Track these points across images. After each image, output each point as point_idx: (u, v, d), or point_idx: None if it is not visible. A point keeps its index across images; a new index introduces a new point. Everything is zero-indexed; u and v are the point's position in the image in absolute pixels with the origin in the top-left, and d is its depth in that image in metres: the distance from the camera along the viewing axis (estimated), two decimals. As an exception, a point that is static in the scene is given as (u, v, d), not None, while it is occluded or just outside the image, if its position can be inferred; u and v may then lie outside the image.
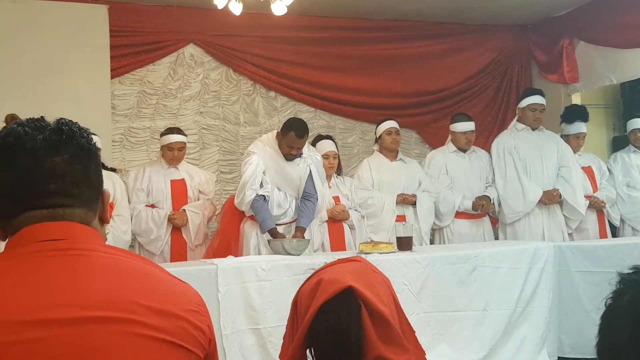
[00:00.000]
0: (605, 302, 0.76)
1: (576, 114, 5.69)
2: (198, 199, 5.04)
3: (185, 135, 5.15)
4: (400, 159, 5.36)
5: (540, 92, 5.48)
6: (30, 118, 1.21)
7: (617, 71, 6.26)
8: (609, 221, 5.65)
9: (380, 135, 5.35)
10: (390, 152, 5.33)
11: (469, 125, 5.41)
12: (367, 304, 1.40)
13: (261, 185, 4.43)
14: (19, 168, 1.17)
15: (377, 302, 1.42)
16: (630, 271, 0.75)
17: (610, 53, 6.22)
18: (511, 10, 6.54)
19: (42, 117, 1.22)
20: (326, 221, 4.96)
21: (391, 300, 1.50)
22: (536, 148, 5.35)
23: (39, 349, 1.03)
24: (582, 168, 5.53)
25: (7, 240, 1.19)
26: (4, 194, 1.19)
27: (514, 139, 5.40)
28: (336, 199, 5.05)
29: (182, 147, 5.01)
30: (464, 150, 5.44)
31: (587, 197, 5.43)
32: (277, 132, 4.56)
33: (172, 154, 4.97)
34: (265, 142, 4.59)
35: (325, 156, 4.97)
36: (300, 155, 4.54)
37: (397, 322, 1.47)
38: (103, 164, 4.74)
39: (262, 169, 4.45)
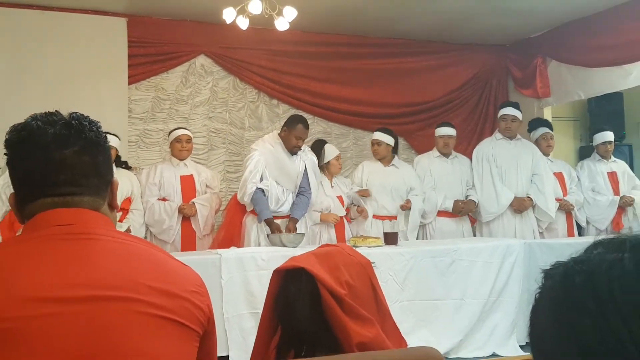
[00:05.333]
0: (535, 295, 0.78)
1: (539, 121, 5.80)
2: (205, 193, 5.04)
3: (191, 133, 5.17)
4: (392, 165, 5.26)
5: (512, 104, 5.51)
6: (45, 112, 1.20)
7: (585, 87, 6.26)
8: (576, 222, 5.67)
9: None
10: (381, 159, 5.29)
11: (446, 130, 5.42)
12: (323, 285, 1.39)
13: (261, 180, 4.47)
14: (33, 160, 1.17)
15: (333, 283, 1.40)
16: (552, 266, 0.78)
17: (579, 71, 6.23)
18: (491, 31, 6.55)
19: (56, 110, 1.21)
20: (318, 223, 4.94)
21: (366, 282, 1.48)
22: (512, 156, 5.34)
23: (54, 323, 1.04)
24: (554, 173, 5.53)
25: (25, 223, 1.19)
26: (21, 183, 1.20)
27: (493, 147, 5.41)
28: (339, 198, 5.05)
29: (188, 139, 5.03)
30: (447, 155, 5.43)
31: (558, 200, 5.45)
32: (283, 128, 4.63)
33: (181, 146, 4.99)
34: (267, 140, 4.67)
35: (337, 158, 5.09)
36: (301, 147, 4.61)
37: (371, 302, 1.46)
38: (126, 163, 4.81)
39: (263, 165, 4.50)
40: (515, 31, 6.62)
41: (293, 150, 4.56)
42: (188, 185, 4.95)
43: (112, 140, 4.59)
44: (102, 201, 1.23)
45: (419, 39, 6.80)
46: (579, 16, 6.03)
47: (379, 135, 5.21)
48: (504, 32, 6.62)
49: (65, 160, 1.16)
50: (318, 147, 5.06)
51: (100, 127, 1.24)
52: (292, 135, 4.50)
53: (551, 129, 5.70)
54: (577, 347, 0.68)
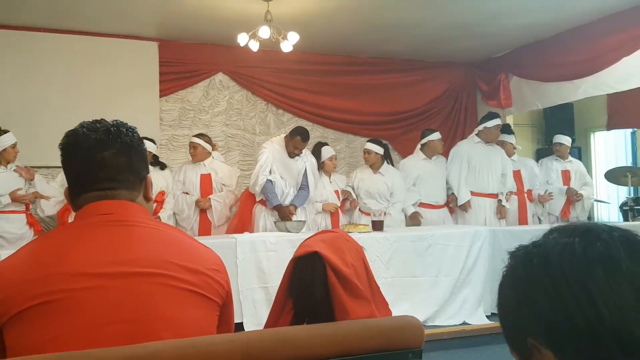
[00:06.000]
0: (502, 273, 0.80)
1: (504, 127, 5.67)
2: (221, 190, 4.98)
3: (205, 140, 4.98)
4: (379, 172, 5.13)
5: (500, 116, 5.43)
6: (92, 120, 1.22)
7: (541, 99, 6.24)
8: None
9: None
10: (371, 166, 5.20)
11: (439, 135, 5.38)
12: (331, 266, 1.35)
13: (270, 173, 4.50)
14: (78, 161, 1.19)
15: (341, 264, 1.36)
16: (515, 248, 0.79)
17: (537, 85, 6.21)
18: (461, 52, 6.55)
19: (102, 119, 1.23)
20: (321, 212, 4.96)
21: (361, 264, 1.45)
22: (486, 158, 5.24)
23: (99, 294, 1.06)
24: (513, 171, 5.45)
25: (76, 212, 1.21)
26: (71, 179, 1.21)
27: (470, 149, 5.28)
28: (336, 192, 5.05)
29: (195, 146, 4.90)
30: (431, 157, 5.32)
31: (515, 194, 5.45)
32: (286, 135, 4.64)
33: (189, 151, 4.98)
34: (275, 141, 4.71)
35: (330, 158, 5.03)
36: (299, 154, 4.63)
37: (365, 281, 1.44)
38: (161, 163, 4.79)
39: (271, 161, 4.54)
40: (482, 52, 6.62)
41: (290, 154, 4.60)
42: (206, 182, 4.93)
43: (149, 145, 4.59)
44: (137, 194, 1.23)
45: (401, 58, 6.80)
46: (536, 39, 6.04)
47: (370, 145, 5.15)
48: (472, 52, 6.62)
49: (104, 161, 1.17)
50: (317, 149, 5.07)
51: (136, 132, 1.25)
52: (290, 144, 4.56)
53: (509, 131, 5.62)
54: (535, 319, 0.70)
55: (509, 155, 5.49)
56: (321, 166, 5.02)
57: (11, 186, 4.33)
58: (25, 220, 4.42)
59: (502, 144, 5.48)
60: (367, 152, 5.15)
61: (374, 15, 5.19)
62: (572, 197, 5.55)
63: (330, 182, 5.06)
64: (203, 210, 4.89)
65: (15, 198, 4.34)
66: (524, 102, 6.46)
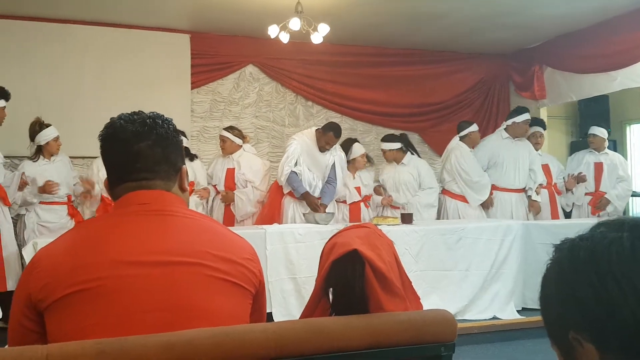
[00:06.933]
0: (546, 265, 0.79)
1: (534, 120, 5.51)
2: (245, 185, 4.93)
3: (235, 133, 4.96)
4: (402, 163, 5.15)
5: (529, 110, 5.33)
6: (131, 112, 1.24)
7: (576, 91, 6.09)
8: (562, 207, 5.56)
9: None
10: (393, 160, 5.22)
11: (477, 126, 5.33)
12: (370, 263, 1.33)
13: (295, 165, 4.52)
14: (116, 152, 1.21)
15: (378, 261, 1.34)
16: (561, 241, 0.78)
17: (571, 77, 6.06)
18: (494, 42, 6.42)
19: (140, 110, 1.25)
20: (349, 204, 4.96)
21: (393, 259, 1.42)
22: (513, 154, 5.14)
23: (137, 282, 1.08)
24: (542, 165, 5.34)
25: (115, 201, 1.23)
26: (110, 170, 1.23)
27: (498, 145, 5.19)
28: (357, 188, 5.04)
29: (224, 139, 4.93)
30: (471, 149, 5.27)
31: (544, 187, 5.33)
32: (318, 129, 4.66)
33: (219, 144, 5.01)
34: (305, 134, 4.73)
35: (362, 155, 5.03)
36: (329, 149, 4.64)
37: (397, 276, 1.40)
38: (191, 155, 4.83)
39: (299, 153, 4.57)
40: (516, 42, 6.48)
41: (321, 149, 4.62)
42: (230, 176, 4.95)
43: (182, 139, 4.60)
44: (173, 184, 1.24)
45: (432, 50, 6.70)
46: (571, 30, 5.88)
47: (383, 145, 5.21)
48: (505, 43, 6.48)
49: (140, 152, 1.19)
50: (347, 145, 5.05)
51: (171, 124, 1.26)
52: (323, 139, 4.58)
53: (544, 127, 5.54)
54: (579, 313, 0.69)
55: (537, 147, 5.36)
56: (351, 162, 5.00)
57: (61, 176, 4.49)
58: (66, 211, 4.56)
59: (532, 138, 5.36)
60: (383, 152, 5.24)
61: (404, 6, 5.13)
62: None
63: (354, 178, 5.05)
64: (228, 203, 4.92)
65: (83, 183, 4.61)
66: (558, 93, 6.31)
